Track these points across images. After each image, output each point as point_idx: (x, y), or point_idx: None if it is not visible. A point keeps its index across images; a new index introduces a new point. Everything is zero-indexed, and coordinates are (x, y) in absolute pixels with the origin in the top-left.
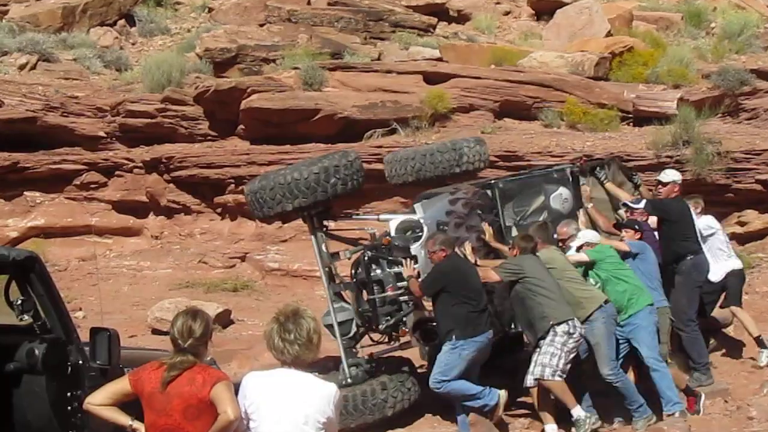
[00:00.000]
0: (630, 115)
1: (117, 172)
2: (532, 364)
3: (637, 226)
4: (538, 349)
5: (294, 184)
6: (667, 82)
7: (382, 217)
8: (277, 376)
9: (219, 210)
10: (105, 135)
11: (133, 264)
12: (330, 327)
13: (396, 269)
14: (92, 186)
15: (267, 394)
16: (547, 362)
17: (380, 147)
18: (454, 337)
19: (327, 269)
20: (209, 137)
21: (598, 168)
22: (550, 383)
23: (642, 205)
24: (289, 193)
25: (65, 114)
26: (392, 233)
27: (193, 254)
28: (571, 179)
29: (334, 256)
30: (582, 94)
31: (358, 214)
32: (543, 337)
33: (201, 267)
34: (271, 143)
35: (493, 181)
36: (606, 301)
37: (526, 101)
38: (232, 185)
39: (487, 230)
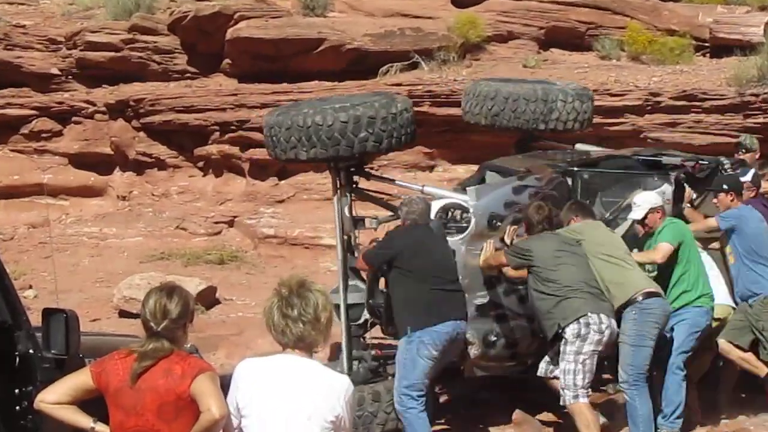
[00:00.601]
0: (706, 44)
1: (74, 119)
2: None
3: (728, 186)
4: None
5: (314, 130)
6: (752, 4)
7: (427, 189)
8: (276, 362)
9: (200, 164)
10: (59, 73)
11: (95, 231)
12: (336, 308)
13: None
14: (44, 136)
15: (262, 384)
16: (564, 383)
17: (399, 85)
18: (409, 328)
19: (346, 237)
20: (188, 75)
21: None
22: (572, 409)
23: (749, 177)
24: (306, 138)
25: (9, 47)
26: (430, 215)
27: (169, 219)
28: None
29: (358, 222)
30: (647, 19)
31: (396, 180)
32: (555, 341)
33: (179, 234)
34: (264, 82)
35: (576, 169)
36: (649, 294)
37: (578, 27)
38: (217, 133)
39: (509, 232)
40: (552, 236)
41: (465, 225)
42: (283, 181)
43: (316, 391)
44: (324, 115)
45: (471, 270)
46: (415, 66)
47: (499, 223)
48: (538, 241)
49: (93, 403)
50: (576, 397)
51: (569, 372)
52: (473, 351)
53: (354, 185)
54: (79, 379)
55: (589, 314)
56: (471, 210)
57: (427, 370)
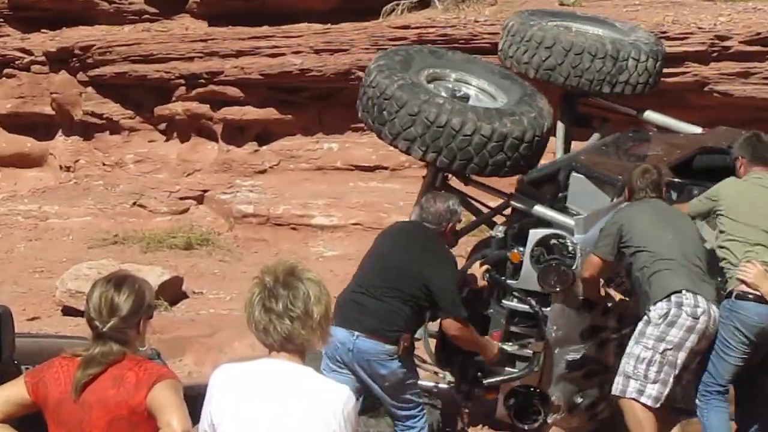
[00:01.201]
0: None
1: (6, 71)
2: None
3: None
4: None
5: (446, 133)
6: None
7: (515, 203)
8: (258, 368)
9: (162, 126)
10: None
11: (33, 209)
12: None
13: (515, 303)
14: None
15: (240, 395)
16: (631, 370)
17: (406, 28)
18: None
19: None
20: (146, 16)
21: None
22: (625, 405)
23: None
24: (430, 138)
25: None
26: (528, 249)
27: (125, 194)
28: None
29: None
30: None
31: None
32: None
33: (136, 213)
34: (240, 24)
35: (680, 182)
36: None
37: None
38: (182, 88)
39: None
40: (652, 204)
41: (567, 262)
42: (264, 147)
43: (307, 405)
44: (464, 120)
45: (570, 319)
46: (426, 4)
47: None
48: (633, 209)
49: (30, 420)
50: (640, 393)
51: (643, 360)
52: (555, 416)
53: (446, 181)
54: (12, 391)
55: (684, 292)
56: (577, 246)
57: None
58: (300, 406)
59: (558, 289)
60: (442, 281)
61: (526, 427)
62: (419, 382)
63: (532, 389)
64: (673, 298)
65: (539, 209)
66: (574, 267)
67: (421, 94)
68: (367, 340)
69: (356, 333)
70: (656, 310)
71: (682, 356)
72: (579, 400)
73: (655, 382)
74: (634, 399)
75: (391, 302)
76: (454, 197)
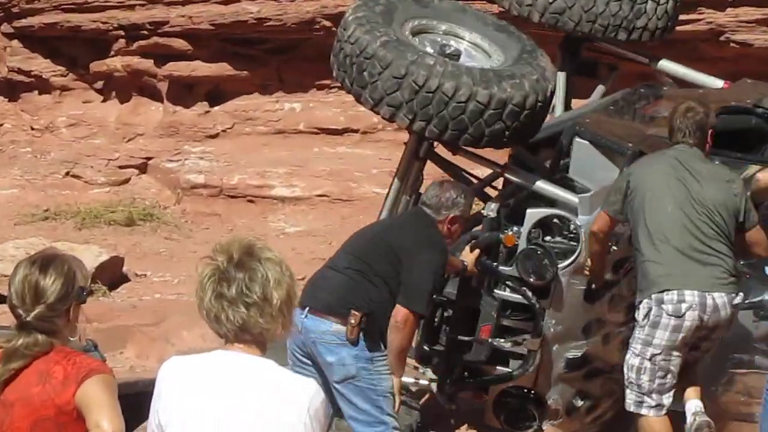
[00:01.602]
0: None
1: None
2: None
3: None
4: None
5: (437, 99)
6: None
7: (510, 175)
8: (211, 361)
9: (99, 84)
10: None
11: None
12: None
13: (508, 293)
14: None
15: (190, 392)
16: (626, 380)
17: None
18: None
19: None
20: None
21: None
22: (637, 422)
23: None
24: (419, 104)
25: None
26: (524, 231)
27: (56, 162)
28: None
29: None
30: None
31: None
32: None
33: (70, 184)
34: None
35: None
36: None
37: None
38: (122, 41)
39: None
40: (680, 153)
41: (569, 246)
42: (216, 108)
43: (267, 402)
44: (458, 84)
45: (570, 312)
46: None
47: (615, 248)
48: (650, 161)
49: None
50: (639, 405)
51: (632, 368)
52: (552, 421)
53: (430, 147)
54: None
55: (667, 291)
56: (581, 228)
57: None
58: (258, 403)
59: (532, 280)
60: (418, 262)
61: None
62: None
63: (526, 391)
64: (654, 295)
65: (538, 183)
66: (574, 257)
67: (408, 53)
68: (315, 317)
69: (306, 310)
70: (639, 310)
71: (676, 358)
72: (579, 403)
73: (650, 392)
74: (638, 413)
75: (354, 276)
76: (469, 191)
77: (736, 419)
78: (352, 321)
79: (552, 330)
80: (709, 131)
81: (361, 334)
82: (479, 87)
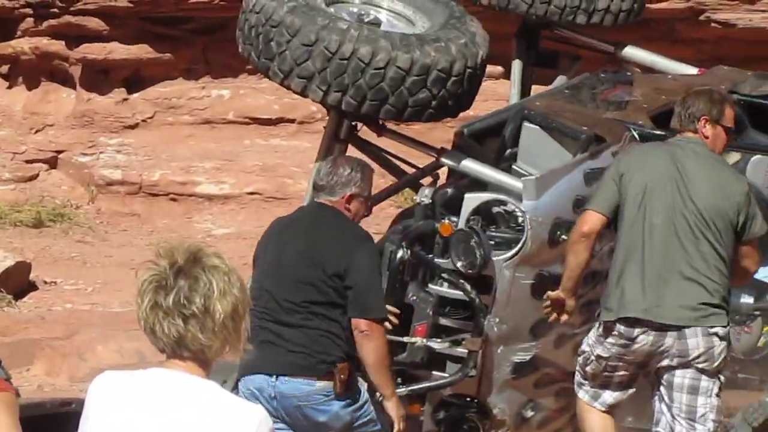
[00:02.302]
0: None
1: None
2: None
3: None
4: None
5: (353, 67)
6: None
7: (446, 160)
8: (145, 380)
9: (5, 69)
10: None
11: None
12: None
13: (445, 288)
14: None
15: (118, 415)
16: (577, 362)
17: None
18: None
19: None
20: None
21: None
22: (578, 412)
23: None
24: (332, 74)
25: None
26: (462, 219)
27: None
28: None
29: None
30: None
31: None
32: None
33: None
34: None
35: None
36: None
37: None
38: (29, 20)
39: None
40: (682, 147)
41: (513, 236)
42: (135, 95)
43: (208, 430)
44: (375, 49)
45: (516, 309)
46: None
47: (564, 237)
48: (645, 151)
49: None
50: (580, 386)
51: (582, 354)
52: None
53: (353, 131)
54: None
55: (618, 324)
56: (526, 215)
57: None
58: (192, 430)
59: (461, 267)
60: (355, 266)
61: None
62: None
63: (467, 399)
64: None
65: (476, 167)
66: (518, 247)
67: (319, 18)
68: (291, 379)
69: (274, 375)
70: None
71: (620, 373)
72: (530, 413)
73: (591, 378)
74: (578, 394)
75: (311, 323)
76: (366, 165)
77: None
78: (342, 376)
79: (495, 329)
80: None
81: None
82: (399, 51)
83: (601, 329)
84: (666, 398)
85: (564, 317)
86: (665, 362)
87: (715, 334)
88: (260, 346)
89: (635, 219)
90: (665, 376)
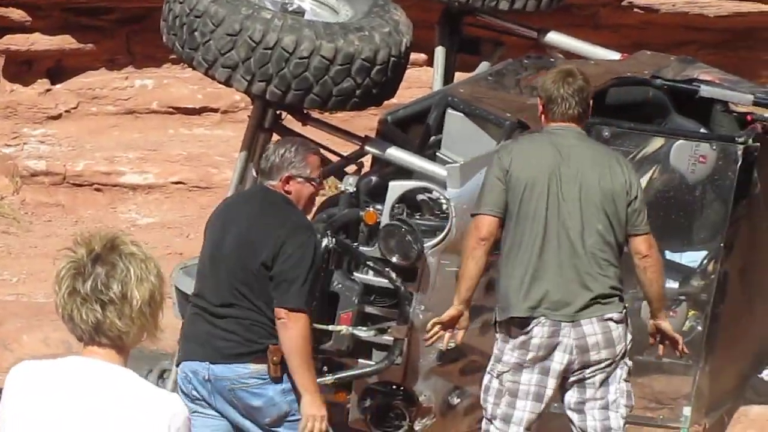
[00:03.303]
0: None
1: None
2: None
3: None
4: None
5: (277, 56)
6: None
7: (370, 148)
8: (62, 368)
9: None
10: None
11: None
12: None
13: (370, 276)
14: None
15: (34, 403)
16: (481, 401)
17: None
18: None
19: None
20: None
21: None
22: None
23: None
24: (256, 63)
25: None
26: (387, 207)
27: None
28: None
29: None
30: None
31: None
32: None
33: None
34: None
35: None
36: None
37: None
38: None
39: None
40: (564, 135)
41: (437, 223)
42: (59, 86)
43: (125, 418)
44: (299, 38)
45: (441, 297)
46: None
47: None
48: (529, 141)
49: None
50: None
51: (483, 387)
52: (426, 421)
53: (279, 121)
54: None
55: (514, 321)
56: (450, 202)
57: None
58: (115, 420)
59: (396, 260)
60: (285, 255)
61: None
62: None
63: (393, 387)
64: (500, 305)
65: (400, 155)
66: (443, 234)
67: (243, 7)
68: (226, 364)
69: (207, 362)
70: (493, 318)
71: (526, 381)
72: (456, 400)
73: (494, 417)
74: None
75: (244, 312)
76: (299, 141)
77: (641, 425)
78: (275, 359)
79: (421, 317)
80: (590, 104)
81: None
82: (323, 41)
83: (499, 342)
84: (577, 398)
85: (460, 335)
86: (566, 358)
87: (610, 319)
88: (197, 333)
89: (525, 214)
90: (573, 377)
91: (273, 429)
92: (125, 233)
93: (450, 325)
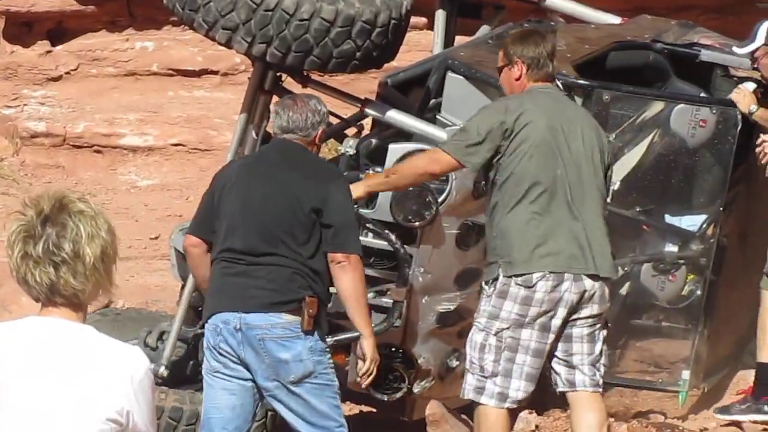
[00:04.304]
0: None
1: None
2: None
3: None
4: None
5: (277, 18)
6: None
7: (370, 110)
8: (23, 328)
9: None
10: None
11: None
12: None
13: (370, 239)
14: None
15: (2, 363)
16: (468, 362)
17: None
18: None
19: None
20: None
21: None
22: (475, 416)
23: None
24: (257, 24)
25: None
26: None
27: None
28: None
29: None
30: None
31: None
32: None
33: None
34: None
35: (590, 84)
36: None
37: None
38: None
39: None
40: (553, 97)
41: (437, 186)
42: (59, 47)
43: (86, 373)
44: (299, 1)
45: (441, 259)
46: None
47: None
48: (536, 99)
49: None
50: (480, 392)
51: (475, 345)
52: (424, 383)
53: (277, 83)
54: None
55: (516, 260)
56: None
57: (216, 405)
58: (78, 376)
59: (414, 223)
60: (335, 202)
61: (385, 398)
62: None
63: (392, 349)
64: (502, 260)
65: (400, 117)
66: (443, 197)
67: None
68: (260, 312)
69: (239, 312)
70: (486, 275)
71: (527, 337)
72: (455, 363)
73: (494, 374)
74: (474, 401)
75: (285, 260)
76: (315, 96)
77: (640, 388)
78: (310, 310)
79: (420, 279)
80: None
81: (313, 321)
82: (323, 3)
83: (494, 298)
84: (563, 353)
85: None
86: (565, 313)
87: (607, 278)
88: (228, 286)
89: (528, 169)
90: (562, 333)
91: (294, 389)
92: (73, 191)
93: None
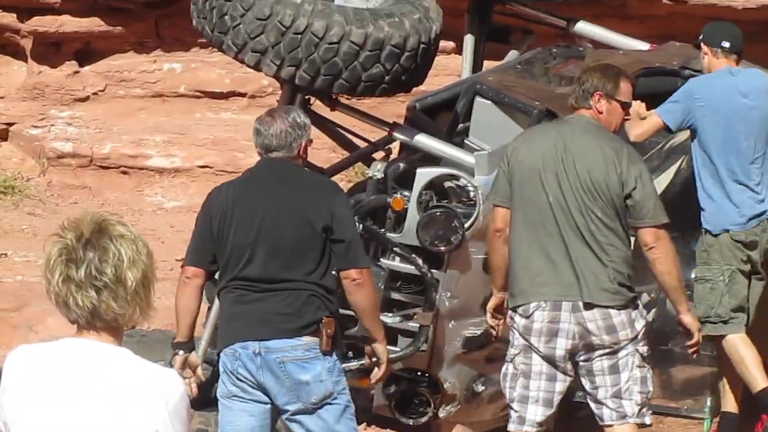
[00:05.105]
0: None
1: None
2: None
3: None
4: None
5: (307, 41)
6: None
7: (398, 135)
8: (60, 350)
9: None
10: None
11: None
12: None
13: (397, 263)
14: None
15: (37, 385)
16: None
17: None
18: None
19: None
20: None
21: None
22: None
23: None
24: (285, 48)
25: None
26: (414, 194)
27: None
28: None
29: None
30: None
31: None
32: None
33: None
34: None
35: None
36: None
37: None
38: None
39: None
40: (576, 125)
41: (465, 210)
42: (86, 68)
43: (122, 396)
44: (329, 23)
45: (468, 284)
46: None
47: None
48: (529, 139)
49: None
50: (508, 418)
51: (501, 375)
52: (450, 408)
53: (308, 105)
54: None
55: (516, 291)
56: (478, 190)
57: (228, 413)
58: (110, 396)
59: (441, 247)
60: (341, 218)
61: (411, 422)
62: None
63: (418, 374)
64: (520, 308)
65: (428, 142)
66: (470, 221)
67: None
68: (281, 339)
69: (261, 341)
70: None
71: (537, 362)
72: (480, 388)
73: (511, 400)
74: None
75: (300, 284)
76: (295, 107)
77: (666, 415)
78: (328, 331)
79: (447, 304)
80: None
81: (331, 341)
82: (353, 26)
83: (510, 322)
84: (589, 387)
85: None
86: (568, 344)
87: (611, 307)
88: (244, 314)
89: (524, 200)
90: (582, 368)
91: (315, 411)
92: (111, 214)
93: (499, 312)
